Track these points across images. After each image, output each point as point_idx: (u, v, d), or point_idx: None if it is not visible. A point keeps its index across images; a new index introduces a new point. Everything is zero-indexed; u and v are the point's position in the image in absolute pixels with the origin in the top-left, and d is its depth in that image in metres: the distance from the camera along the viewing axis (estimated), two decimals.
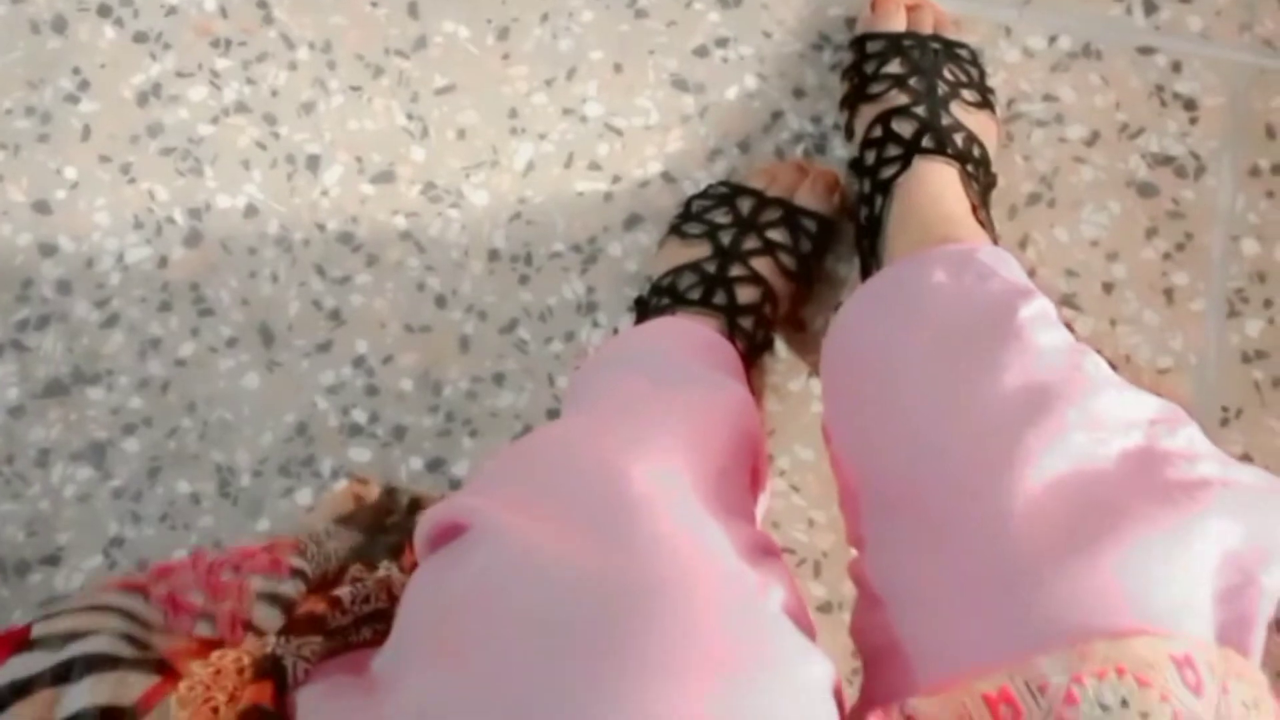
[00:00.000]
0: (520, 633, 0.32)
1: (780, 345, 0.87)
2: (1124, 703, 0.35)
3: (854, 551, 0.57)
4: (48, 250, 0.87)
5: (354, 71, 0.90)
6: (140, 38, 0.90)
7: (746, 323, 0.79)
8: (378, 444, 0.86)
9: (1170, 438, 0.49)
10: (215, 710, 0.42)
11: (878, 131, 0.82)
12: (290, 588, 0.51)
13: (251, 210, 0.88)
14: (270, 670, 0.43)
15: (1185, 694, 0.36)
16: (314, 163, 0.89)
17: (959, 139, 0.81)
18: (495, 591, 0.35)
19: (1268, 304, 0.88)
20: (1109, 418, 0.48)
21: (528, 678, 0.31)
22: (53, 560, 0.83)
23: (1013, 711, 0.35)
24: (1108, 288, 0.88)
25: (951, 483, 0.45)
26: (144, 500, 0.84)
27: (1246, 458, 0.87)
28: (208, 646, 0.46)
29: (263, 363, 0.86)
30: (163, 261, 0.87)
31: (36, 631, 0.44)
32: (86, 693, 0.41)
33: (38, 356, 0.85)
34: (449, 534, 0.42)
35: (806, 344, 0.88)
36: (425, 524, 0.43)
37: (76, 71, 0.89)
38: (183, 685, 0.42)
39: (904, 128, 0.80)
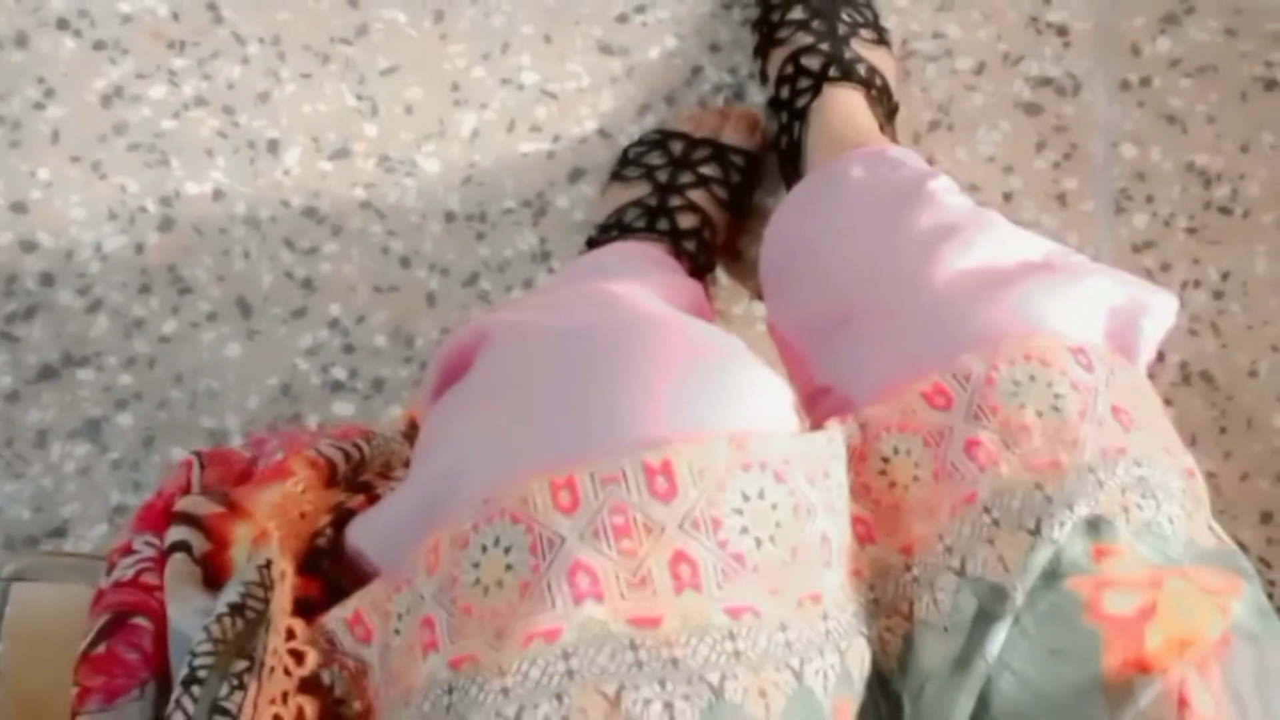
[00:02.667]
0: (521, 377, 0.39)
1: (721, 275, 0.95)
2: (1031, 378, 0.43)
3: None
4: (28, 247, 0.92)
5: (303, 60, 0.97)
6: (99, 45, 0.96)
7: (689, 246, 0.87)
8: (359, 397, 0.92)
9: (1066, 257, 0.57)
10: (302, 515, 0.48)
11: (789, 69, 0.91)
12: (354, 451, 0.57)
13: (219, 194, 0.94)
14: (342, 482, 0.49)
15: (1080, 371, 0.44)
16: (274, 146, 0.95)
17: (861, 69, 0.90)
18: (503, 362, 0.41)
19: (1150, 199, 0.98)
20: (1011, 240, 0.57)
21: (530, 400, 0.37)
22: (59, 532, 0.87)
23: (945, 399, 0.43)
24: (1007, 197, 0.98)
25: (883, 290, 0.53)
26: (142, 469, 0.89)
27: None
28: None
29: (242, 332, 0.92)
30: (139, 248, 0.93)
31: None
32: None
33: (27, 345, 0.90)
34: (461, 365, 0.48)
35: (745, 271, 0.96)
36: (436, 362, 0.49)
37: (41, 81, 0.94)
38: (266, 502, 0.48)
39: (812, 62, 0.90)
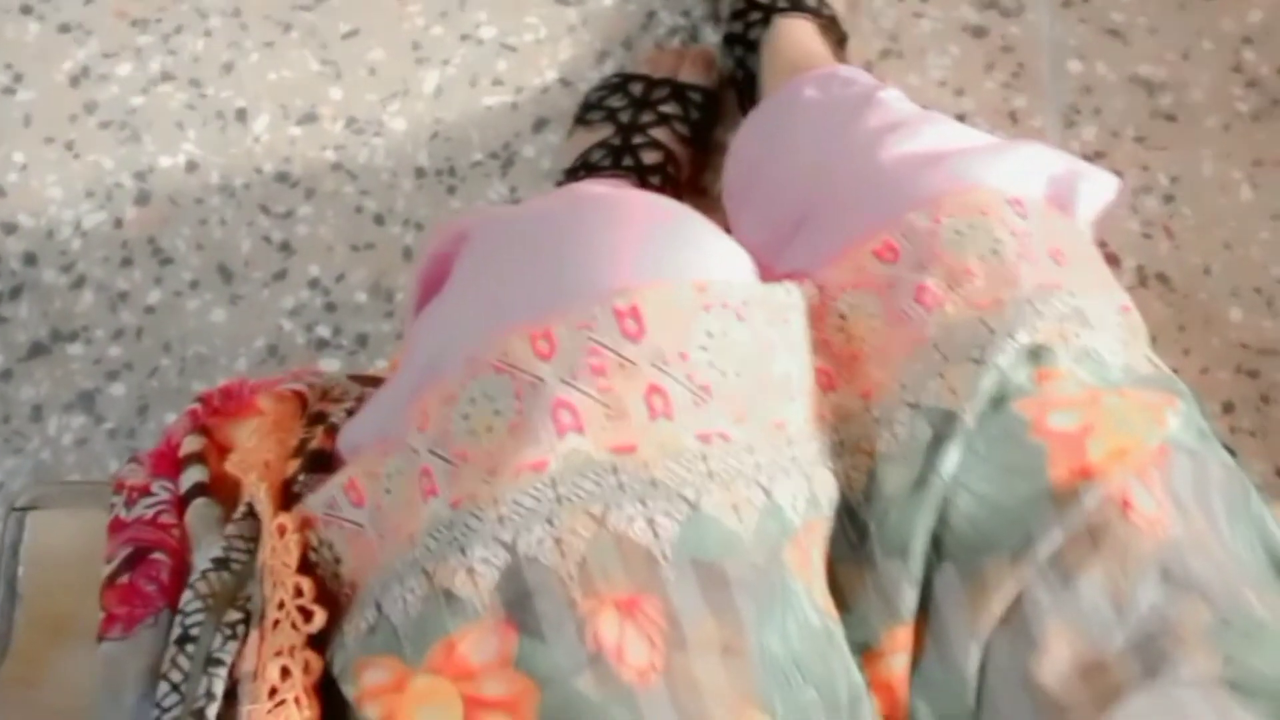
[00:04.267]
0: (499, 257, 0.41)
1: None
2: (971, 227, 0.46)
3: None
4: (9, 229, 0.94)
5: (265, 30, 0.99)
6: (64, 28, 0.97)
7: (655, 180, 0.90)
8: (344, 353, 0.94)
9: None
10: (267, 464, 0.51)
11: (740, 4, 0.93)
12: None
13: (192, 165, 0.96)
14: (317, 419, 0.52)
15: (1017, 220, 0.47)
16: (242, 115, 0.97)
17: (810, 0, 0.93)
18: (481, 250, 0.43)
19: (1097, 111, 1.02)
20: (956, 129, 0.60)
21: (506, 270, 0.40)
22: None
23: (894, 254, 0.46)
24: (960, 118, 1.01)
25: (835, 182, 0.56)
26: (138, 436, 0.91)
27: (1100, 243, 1.00)
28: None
29: (226, 298, 0.94)
30: (118, 223, 0.95)
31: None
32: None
33: (16, 324, 0.92)
34: (441, 273, 0.50)
35: (711, 206, 0.98)
36: (418, 274, 0.51)
37: (9, 66, 0.96)
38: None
39: None
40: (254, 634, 0.44)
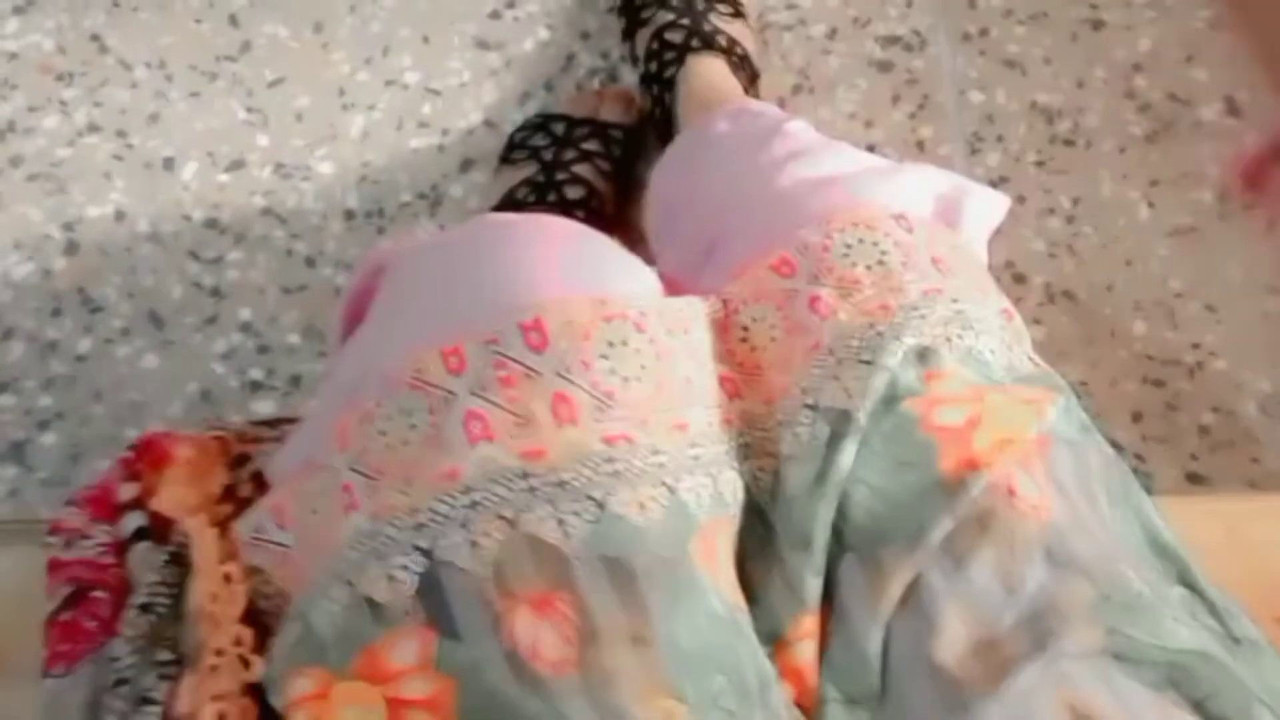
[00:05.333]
0: (416, 283, 0.43)
1: None
2: (860, 240, 0.49)
3: None
4: None
5: (191, 80, 1.01)
6: None
7: (579, 215, 0.92)
8: (278, 395, 0.95)
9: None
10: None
11: (655, 45, 0.97)
12: None
13: (120, 215, 0.97)
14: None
15: (902, 233, 0.50)
16: (170, 164, 0.99)
17: (721, 39, 0.97)
18: (399, 278, 0.46)
19: (1000, 138, 1.07)
20: (856, 156, 0.63)
21: (421, 294, 0.42)
22: None
23: (790, 268, 0.49)
24: (870, 148, 1.05)
25: (741, 207, 0.59)
26: (72, 484, 0.91)
27: (1008, 264, 1.05)
28: None
29: (157, 344, 0.95)
30: (46, 273, 0.95)
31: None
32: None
33: None
34: (362, 306, 0.52)
35: (636, 240, 1.02)
36: (340, 309, 0.53)
37: None
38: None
39: (675, 35, 0.96)
40: (190, 676, 0.45)
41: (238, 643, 0.44)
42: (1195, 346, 1.01)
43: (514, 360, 0.38)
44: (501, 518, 0.37)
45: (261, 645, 0.43)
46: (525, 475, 0.38)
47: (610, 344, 0.40)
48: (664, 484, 0.39)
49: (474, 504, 0.37)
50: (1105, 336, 1.03)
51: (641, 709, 0.37)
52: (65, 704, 0.50)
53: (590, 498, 0.38)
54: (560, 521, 0.37)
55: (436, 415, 0.38)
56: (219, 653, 0.45)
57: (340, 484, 0.40)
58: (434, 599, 0.36)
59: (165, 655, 0.48)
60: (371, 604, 0.37)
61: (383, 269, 0.49)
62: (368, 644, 0.36)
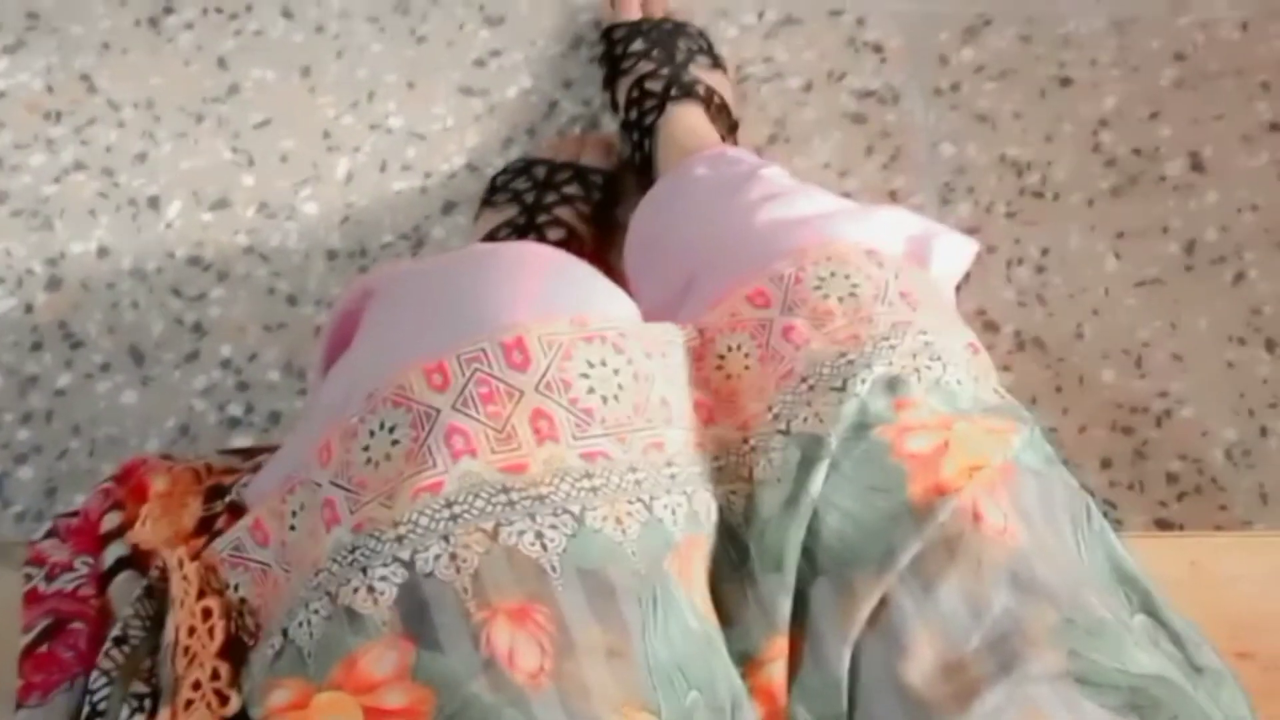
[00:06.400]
0: (400, 307, 0.44)
1: None
2: (832, 274, 0.50)
3: None
4: None
5: (178, 121, 1.02)
6: None
7: None
8: (257, 431, 0.95)
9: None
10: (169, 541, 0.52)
11: (635, 93, 0.99)
12: None
13: (104, 251, 0.98)
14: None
15: (873, 268, 0.52)
16: (154, 202, 1.00)
17: (700, 89, 0.99)
18: (385, 303, 0.47)
19: (971, 190, 1.09)
20: (827, 199, 0.65)
21: (405, 316, 0.43)
22: None
23: (765, 299, 0.50)
24: (845, 196, 1.07)
25: (716, 247, 0.60)
26: (46, 518, 0.91)
27: (979, 311, 1.07)
28: None
29: (137, 380, 0.95)
30: (28, 308, 0.96)
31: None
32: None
33: None
34: (348, 331, 0.53)
35: (617, 283, 1.03)
36: (324, 335, 0.54)
37: None
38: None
39: (655, 85, 0.98)
40: (165, 710, 0.46)
41: (214, 677, 0.44)
42: (1163, 395, 1.03)
43: (496, 378, 0.39)
44: (481, 530, 0.38)
45: (239, 680, 0.43)
46: (505, 489, 0.38)
47: (590, 364, 0.41)
48: (640, 500, 0.40)
49: (454, 516, 0.38)
50: (1074, 384, 1.05)
51: None
52: None
53: (568, 512, 0.38)
54: (539, 535, 0.38)
55: (419, 430, 0.39)
56: (195, 686, 0.45)
57: (322, 499, 0.40)
58: (413, 610, 0.37)
59: (141, 688, 0.48)
60: (351, 615, 0.37)
61: (370, 293, 0.50)
62: (347, 654, 0.37)
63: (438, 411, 0.39)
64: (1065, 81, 1.12)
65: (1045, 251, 1.08)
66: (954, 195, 1.09)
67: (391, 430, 0.40)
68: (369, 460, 0.40)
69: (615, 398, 0.41)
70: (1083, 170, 1.10)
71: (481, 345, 0.40)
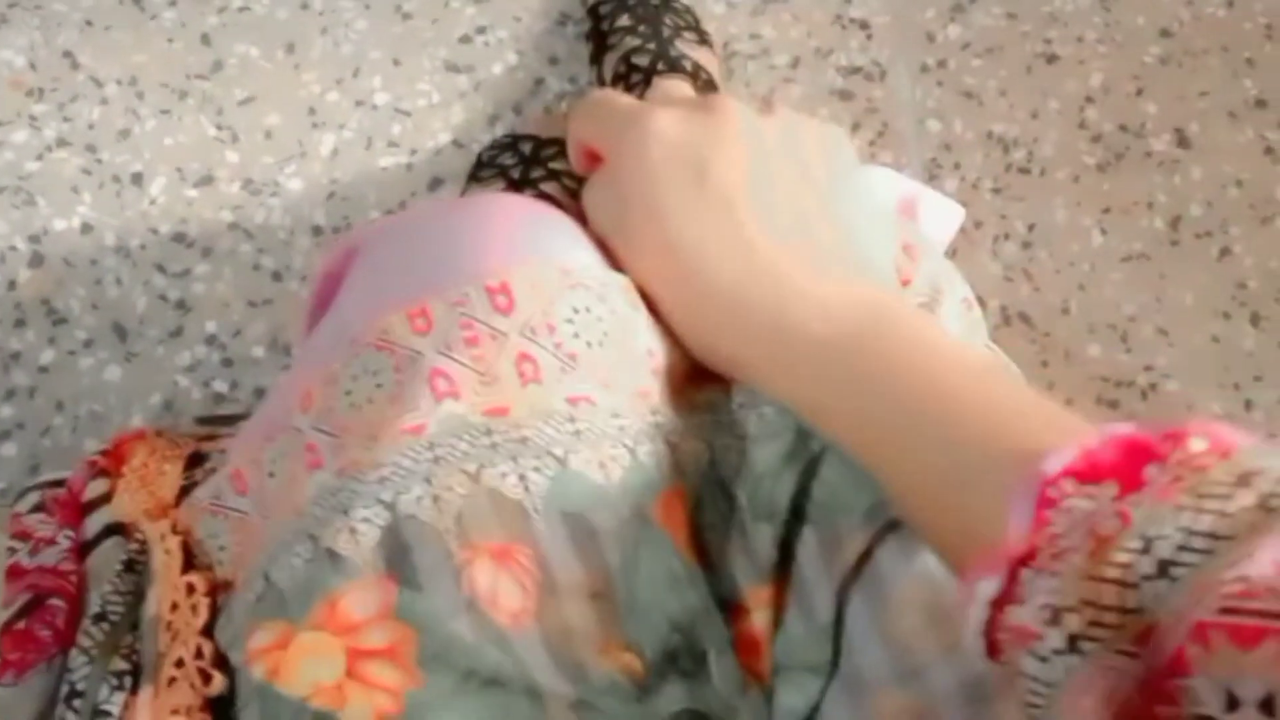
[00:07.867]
0: (383, 257, 0.44)
1: None
2: None
3: None
4: None
5: (161, 97, 1.01)
6: None
7: None
8: (241, 407, 0.95)
9: None
10: (147, 512, 0.52)
11: (622, 68, 0.99)
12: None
13: (87, 228, 0.97)
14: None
15: None
16: (138, 179, 0.99)
17: (687, 64, 0.99)
18: (369, 257, 0.46)
19: (957, 166, 1.09)
20: None
21: (387, 265, 0.43)
22: None
23: None
24: None
25: None
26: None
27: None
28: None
29: (120, 356, 0.95)
30: (11, 285, 0.95)
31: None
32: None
33: None
34: (333, 289, 0.53)
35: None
36: (311, 294, 0.53)
37: None
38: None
39: (641, 59, 0.98)
40: (147, 688, 0.45)
41: (198, 655, 0.44)
42: (1148, 369, 1.04)
43: (480, 321, 0.39)
44: (464, 472, 0.37)
45: (223, 659, 0.43)
46: (489, 431, 0.38)
47: (575, 309, 0.41)
48: (625, 445, 0.40)
49: (437, 458, 0.37)
50: (1060, 358, 1.06)
51: (601, 661, 0.37)
52: (14, 716, 0.50)
53: (552, 454, 0.38)
54: (522, 476, 0.38)
55: (402, 373, 0.39)
56: (179, 664, 0.45)
57: (304, 444, 0.40)
58: (395, 550, 0.37)
59: (121, 666, 0.47)
60: (332, 556, 0.37)
61: (352, 252, 0.50)
62: (328, 595, 0.37)
63: (421, 354, 0.39)
64: (1051, 58, 1.12)
65: (1031, 227, 1.08)
66: (940, 171, 1.09)
67: (374, 374, 0.39)
68: (351, 404, 0.39)
69: (600, 343, 0.41)
70: (1068, 146, 1.10)
71: (465, 289, 0.40)
